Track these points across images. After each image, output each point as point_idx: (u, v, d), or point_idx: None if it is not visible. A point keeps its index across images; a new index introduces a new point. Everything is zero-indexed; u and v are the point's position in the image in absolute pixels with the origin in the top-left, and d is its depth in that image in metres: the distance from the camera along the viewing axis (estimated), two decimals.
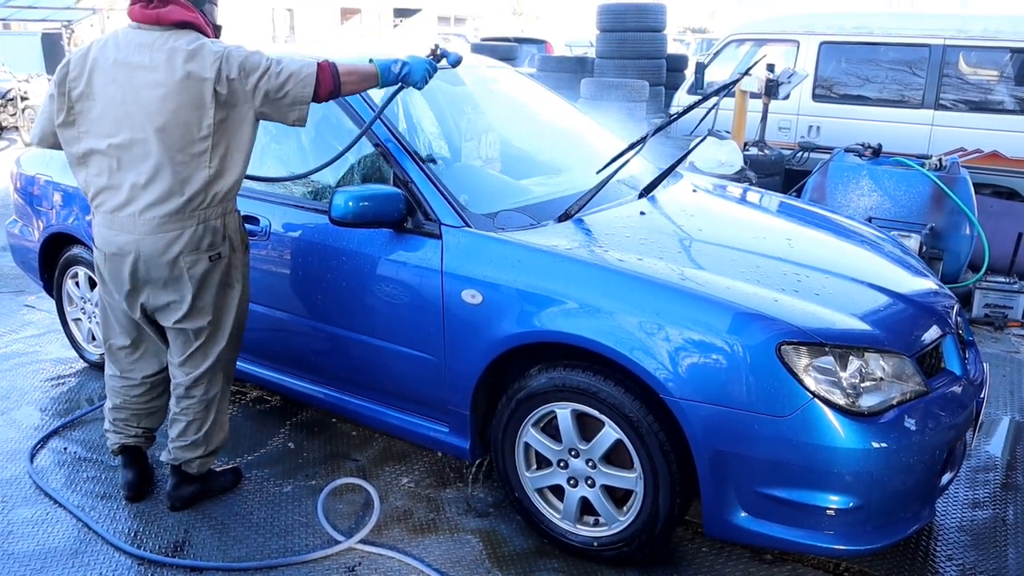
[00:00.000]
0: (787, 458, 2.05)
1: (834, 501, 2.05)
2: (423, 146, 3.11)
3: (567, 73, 8.70)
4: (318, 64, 2.34)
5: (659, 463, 2.22)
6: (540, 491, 2.52)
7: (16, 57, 14.91)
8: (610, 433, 2.29)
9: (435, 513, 2.72)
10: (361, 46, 3.84)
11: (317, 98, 2.36)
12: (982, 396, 2.45)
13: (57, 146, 2.42)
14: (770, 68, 6.11)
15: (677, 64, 9.15)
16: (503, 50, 11.14)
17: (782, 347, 2.06)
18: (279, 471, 2.96)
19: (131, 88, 2.25)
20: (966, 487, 2.92)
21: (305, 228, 2.83)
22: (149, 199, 2.29)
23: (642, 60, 8.11)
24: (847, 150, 5.39)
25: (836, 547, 2.11)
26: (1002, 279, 4.79)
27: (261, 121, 2.40)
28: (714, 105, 3.62)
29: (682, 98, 7.64)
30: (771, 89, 6.03)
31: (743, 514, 2.15)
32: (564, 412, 2.35)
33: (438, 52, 2.71)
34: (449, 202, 2.57)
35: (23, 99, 11.89)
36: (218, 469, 2.84)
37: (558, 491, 2.49)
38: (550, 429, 2.44)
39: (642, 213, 2.82)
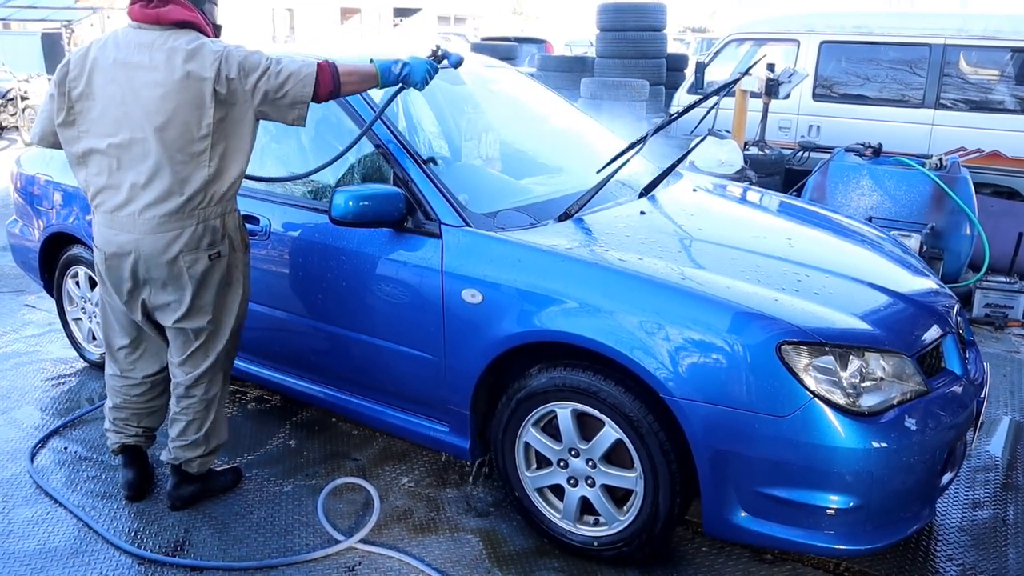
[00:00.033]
0: (787, 458, 2.05)
1: (834, 501, 2.05)
2: (423, 145, 3.11)
3: (567, 73, 8.70)
4: (318, 64, 2.34)
5: (659, 463, 2.21)
6: (540, 491, 2.52)
7: (16, 57, 14.90)
8: (610, 433, 2.29)
9: (435, 512, 2.72)
10: (361, 46, 3.83)
11: (317, 98, 2.35)
12: (982, 396, 2.45)
13: (57, 145, 2.42)
14: (770, 67, 6.11)
15: (677, 63, 9.15)
16: (503, 50, 11.14)
17: (782, 347, 2.06)
18: (279, 470, 2.96)
19: (131, 88, 2.25)
20: (966, 487, 2.92)
21: (305, 227, 2.83)
22: (149, 198, 2.29)
23: (642, 60, 8.11)
24: (847, 150, 5.39)
25: (836, 547, 2.11)
26: (1002, 279, 4.79)
27: (261, 121, 2.40)
28: (714, 105, 3.61)
29: (682, 98, 7.63)
30: (771, 88, 6.03)
31: (743, 514, 2.15)
32: (564, 412, 2.35)
33: (439, 53, 2.69)
34: (449, 201, 2.57)
35: (23, 99, 11.89)
36: (218, 469, 2.84)
37: (558, 491, 2.49)
38: (550, 429, 2.44)
39: (642, 213, 2.82)
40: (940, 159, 5.04)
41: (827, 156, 5.49)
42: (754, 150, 6.12)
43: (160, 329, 2.54)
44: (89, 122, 2.31)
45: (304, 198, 2.89)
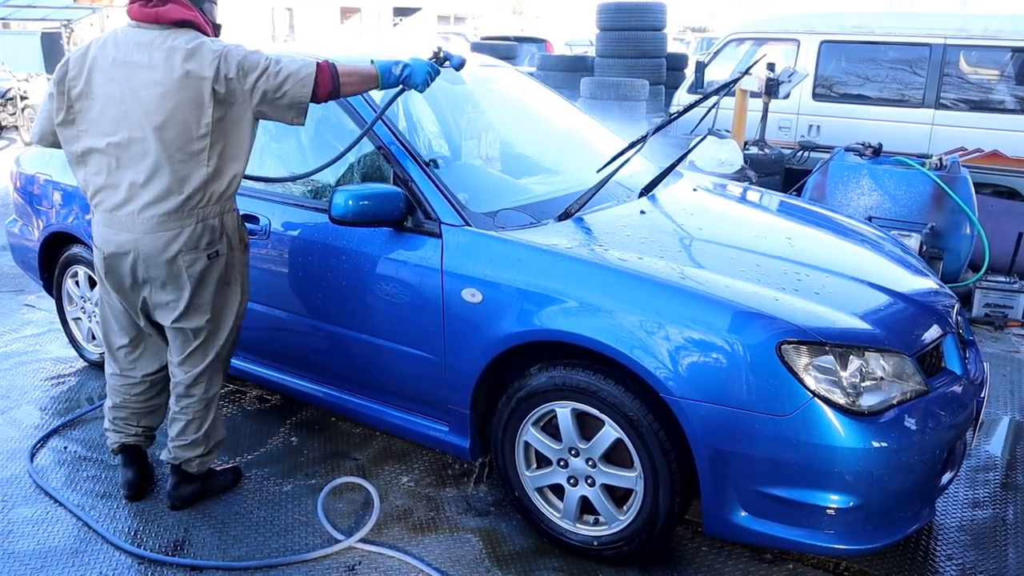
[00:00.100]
0: (787, 457, 2.05)
1: (834, 500, 2.05)
2: (423, 145, 3.11)
3: (567, 72, 8.70)
4: (317, 64, 2.34)
5: (659, 462, 2.21)
6: (540, 490, 2.52)
7: (16, 56, 14.88)
8: (610, 432, 2.29)
9: (435, 512, 2.72)
10: (361, 45, 3.83)
11: (316, 99, 2.35)
12: (982, 396, 2.45)
13: (57, 145, 2.42)
14: (770, 67, 6.11)
15: (677, 63, 9.15)
16: (503, 49, 11.14)
17: (782, 346, 2.06)
18: (279, 470, 2.96)
19: (130, 87, 2.25)
20: (966, 487, 2.92)
21: (305, 227, 2.83)
22: (148, 198, 2.29)
23: (642, 59, 8.11)
24: (847, 149, 5.38)
25: (836, 546, 2.11)
26: (1002, 279, 4.79)
27: (261, 120, 2.40)
28: (714, 104, 3.61)
29: (682, 97, 7.63)
30: (771, 88, 6.03)
31: (743, 513, 2.15)
32: (564, 411, 2.35)
33: (441, 55, 2.68)
34: (449, 201, 2.57)
35: (23, 98, 11.88)
36: (218, 468, 2.83)
37: (558, 490, 2.49)
38: (550, 428, 2.44)
39: (642, 212, 2.82)
40: (940, 159, 5.04)
41: (827, 156, 5.49)
42: (754, 150, 6.12)
43: (160, 328, 2.54)
44: (88, 121, 2.31)
45: (304, 197, 2.89)
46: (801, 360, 2.05)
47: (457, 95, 3.38)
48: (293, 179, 2.87)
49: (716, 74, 7.27)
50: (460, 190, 2.64)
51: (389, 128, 2.71)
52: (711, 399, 2.10)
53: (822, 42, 6.76)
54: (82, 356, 3.84)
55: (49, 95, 2.37)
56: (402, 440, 3.12)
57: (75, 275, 3.64)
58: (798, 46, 6.87)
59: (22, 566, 2.43)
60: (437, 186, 2.60)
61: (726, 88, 3.43)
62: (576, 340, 2.26)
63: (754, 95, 6.18)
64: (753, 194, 3.59)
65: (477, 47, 11.39)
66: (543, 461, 2.50)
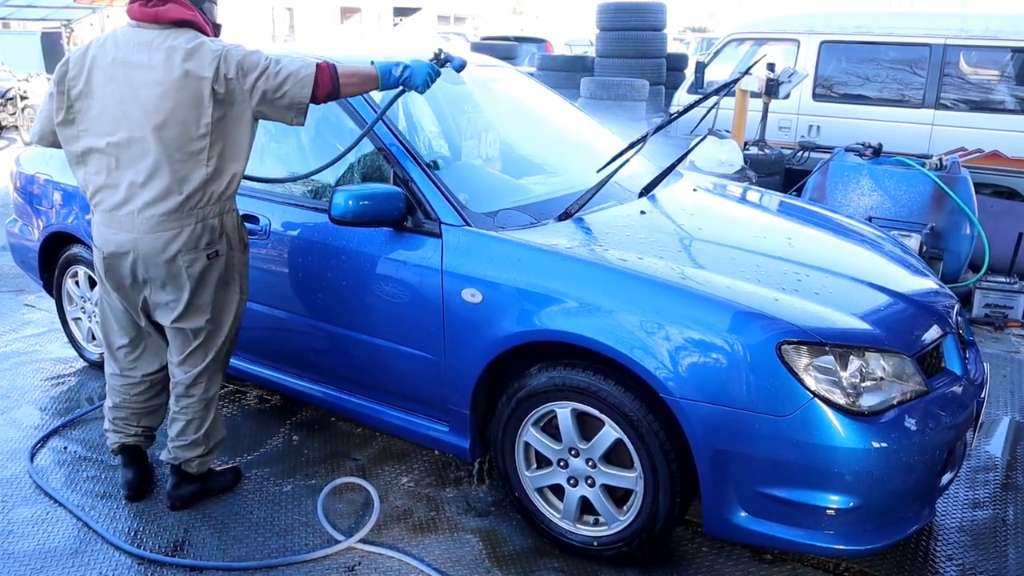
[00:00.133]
0: (787, 458, 2.05)
1: (834, 501, 2.05)
2: (423, 145, 3.11)
3: (567, 72, 8.70)
4: (317, 65, 2.34)
5: (659, 462, 2.21)
6: (540, 490, 2.52)
7: (16, 56, 14.88)
8: (610, 432, 2.29)
9: (435, 512, 2.71)
10: (361, 45, 3.83)
11: (315, 100, 2.35)
12: (982, 396, 2.45)
13: (56, 145, 2.42)
14: (770, 67, 6.11)
15: (677, 63, 9.15)
16: (503, 49, 11.14)
17: (782, 346, 2.06)
18: (279, 470, 2.96)
19: (129, 87, 2.25)
20: (966, 487, 2.92)
21: (305, 227, 2.83)
22: (147, 197, 2.29)
23: (642, 59, 8.11)
24: (847, 149, 5.38)
25: (836, 547, 2.10)
26: (1002, 279, 4.79)
27: (260, 120, 2.40)
28: (714, 104, 3.61)
29: (682, 97, 7.63)
30: (771, 88, 6.03)
31: (743, 514, 2.15)
32: (564, 411, 2.35)
33: (442, 56, 2.67)
34: (449, 201, 2.57)
35: (23, 98, 11.88)
36: (218, 468, 2.83)
37: (558, 490, 2.49)
38: (550, 428, 2.44)
39: (642, 212, 2.82)
40: (940, 159, 5.04)
41: (827, 156, 5.49)
42: (754, 150, 6.12)
43: (159, 328, 2.54)
44: (88, 121, 2.31)
45: (304, 197, 2.89)
46: (801, 360, 2.05)
47: (457, 95, 3.38)
48: (293, 179, 2.87)
49: (716, 74, 7.27)
50: (460, 190, 2.64)
51: (389, 128, 2.71)
52: (711, 399, 2.10)
53: (822, 42, 6.76)
54: (82, 356, 3.84)
55: (49, 95, 2.37)
56: (402, 440, 3.12)
57: (75, 275, 3.64)
58: (798, 46, 6.87)
59: (22, 566, 2.43)
60: (437, 186, 2.60)
61: (726, 88, 3.43)
62: (576, 340, 2.25)
63: (754, 95, 6.18)
64: (753, 194, 3.59)
65: (477, 47, 11.40)
66: (543, 461, 2.50)
